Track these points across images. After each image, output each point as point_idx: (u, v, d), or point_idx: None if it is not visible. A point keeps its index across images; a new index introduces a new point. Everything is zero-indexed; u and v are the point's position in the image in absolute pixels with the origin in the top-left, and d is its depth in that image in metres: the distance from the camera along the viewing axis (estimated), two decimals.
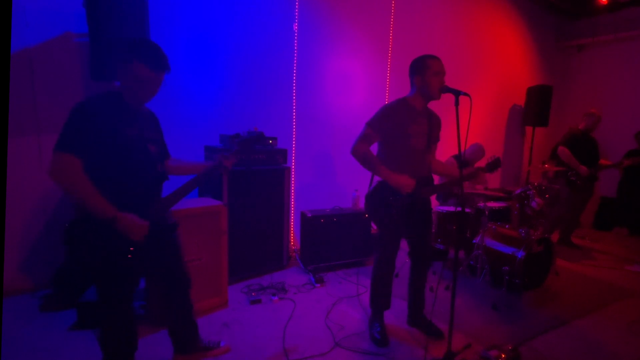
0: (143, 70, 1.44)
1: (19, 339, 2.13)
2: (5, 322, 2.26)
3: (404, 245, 2.34)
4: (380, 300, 2.35)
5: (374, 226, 3.82)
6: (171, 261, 1.78)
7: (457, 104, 1.85)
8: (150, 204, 1.57)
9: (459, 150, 1.83)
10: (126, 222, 1.41)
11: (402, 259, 3.10)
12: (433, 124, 2.17)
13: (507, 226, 3.29)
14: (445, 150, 3.72)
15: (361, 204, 3.77)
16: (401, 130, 2.06)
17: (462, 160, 1.92)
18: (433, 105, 2.20)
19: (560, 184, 4.13)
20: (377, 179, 2.19)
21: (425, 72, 2.02)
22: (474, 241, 3.23)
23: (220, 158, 1.75)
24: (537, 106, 5.53)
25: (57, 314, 2.42)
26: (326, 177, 4.07)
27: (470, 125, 1.75)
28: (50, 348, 2.07)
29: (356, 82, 4.14)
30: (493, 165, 2.16)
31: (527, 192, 3.28)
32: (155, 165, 1.64)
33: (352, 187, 3.92)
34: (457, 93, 1.85)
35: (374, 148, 2.20)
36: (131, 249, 1.48)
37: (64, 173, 1.34)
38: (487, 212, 3.15)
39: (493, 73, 5.53)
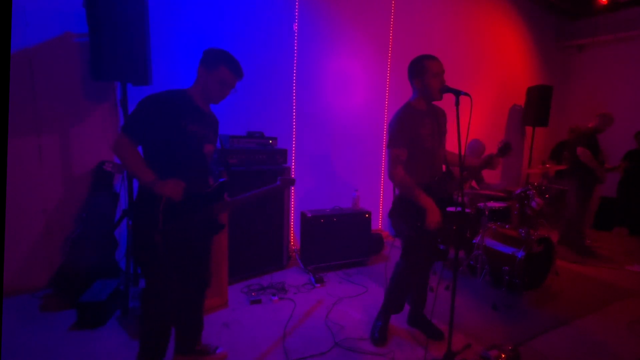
0: (227, 75, 1.71)
1: (19, 339, 2.13)
2: (5, 322, 2.26)
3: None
4: (395, 304, 2.32)
5: (373, 226, 3.82)
6: (202, 260, 1.89)
7: (457, 103, 1.85)
8: (192, 193, 1.72)
9: (459, 150, 1.83)
10: (165, 184, 1.59)
11: None
12: (440, 121, 2.14)
13: (507, 226, 3.29)
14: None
15: (361, 204, 3.77)
16: (414, 135, 2.03)
17: (461, 161, 1.91)
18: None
19: (569, 184, 4.10)
20: None
21: (424, 74, 1.99)
22: (474, 241, 3.23)
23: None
24: (537, 106, 5.53)
25: (57, 314, 2.42)
26: (326, 177, 4.07)
27: (471, 125, 1.75)
28: (50, 348, 2.07)
29: (356, 82, 4.14)
30: (504, 149, 2.14)
31: (527, 192, 3.29)
32: (204, 161, 1.80)
33: (352, 187, 3.92)
34: (457, 93, 1.85)
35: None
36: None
37: (119, 149, 1.61)
38: (487, 212, 3.15)
39: (493, 73, 5.53)
